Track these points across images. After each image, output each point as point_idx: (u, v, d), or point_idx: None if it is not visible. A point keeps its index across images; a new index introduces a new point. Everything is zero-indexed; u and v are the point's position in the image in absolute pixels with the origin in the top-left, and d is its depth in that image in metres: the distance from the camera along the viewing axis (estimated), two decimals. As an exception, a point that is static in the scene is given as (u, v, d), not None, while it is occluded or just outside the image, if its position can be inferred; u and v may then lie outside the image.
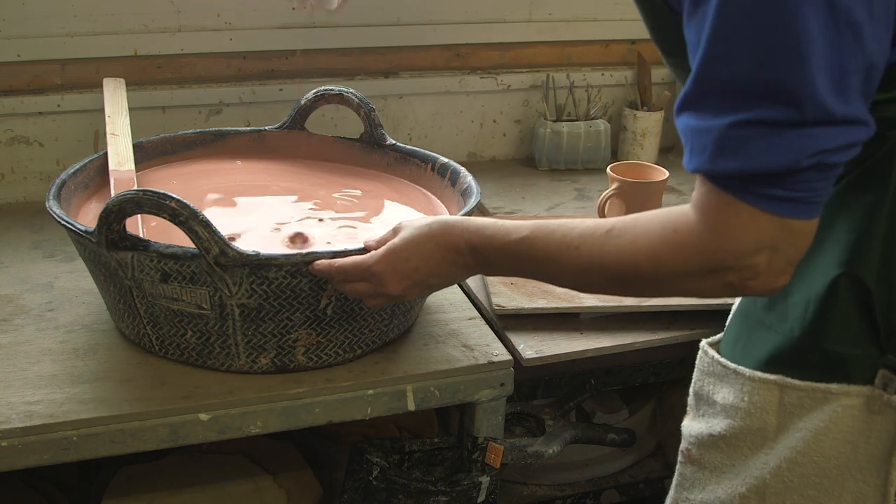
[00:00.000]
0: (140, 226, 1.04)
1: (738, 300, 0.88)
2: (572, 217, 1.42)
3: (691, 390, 0.89)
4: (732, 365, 0.82)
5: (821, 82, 0.63)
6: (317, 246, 1.04)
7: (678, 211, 0.72)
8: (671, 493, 0.92)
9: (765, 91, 0.64)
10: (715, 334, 1.19)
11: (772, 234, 0.68)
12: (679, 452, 0.90)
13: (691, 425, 0.88)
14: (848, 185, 0.76)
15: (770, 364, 0.79)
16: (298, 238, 1.05)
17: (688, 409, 0.90)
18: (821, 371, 0.77)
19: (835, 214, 0.76)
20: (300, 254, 0.89)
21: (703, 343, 0.88)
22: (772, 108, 0.64)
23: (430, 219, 0.86)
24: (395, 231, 0.88)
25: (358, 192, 1.22)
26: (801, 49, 0.62)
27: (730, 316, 0.88)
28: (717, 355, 0.85)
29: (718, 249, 0.69)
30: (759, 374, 0.80)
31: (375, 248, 0.89)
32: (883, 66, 0.67)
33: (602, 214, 1.32)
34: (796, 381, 0.78)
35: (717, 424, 0.84)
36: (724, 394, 0.83)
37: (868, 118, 0.67)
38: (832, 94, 0.64)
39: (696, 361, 0.89)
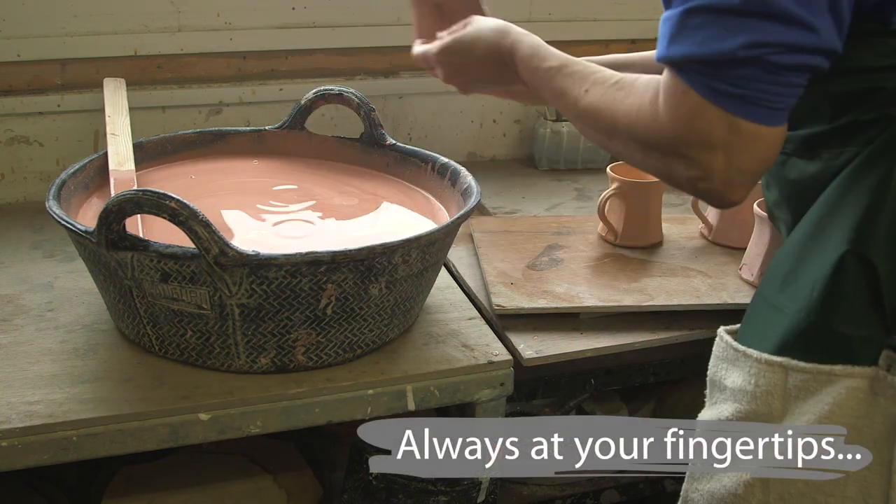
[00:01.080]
0: (140, 226, 1.04)
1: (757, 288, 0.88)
2: (573, 217, 1.43)
3: (707, 379, 0.89)
4: (742, 348, 0.83)
5: None
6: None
7: (659, 84, 0.75)
8: (684, 485, 0.92)
9: None
10: (713, 334, 1.19)
11: (719, 130, 0.70)
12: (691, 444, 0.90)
13: (703, 414, 0.89)
14: (857, 165, 0.77)
15: (778, 346, 0.80)
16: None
17: (705, 401, 0.90)
18: (826, 352, 0.77)
19: (843, 194, 0.77)
20: (300, 253, 0.89)
21: (721, 329, 0.88)
22: None
23: (492, 24, 0.95)
24: (466, 24, 0.97)
25: (356, 190, 1.23)
26: None
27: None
28: (730, 339, 0.85)
29: (670, 132, 0.72)
30: (766, 356, 0.80)
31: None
32: None
33: (602, 214, 1.32)
34: (801, 363, 0.78)
35: (725, 410, 0.85)
36: (733, 378, 0.84)
37: (822, 28, 0.68)
38: None
39: (713, 349, 0.89)
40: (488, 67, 0.95)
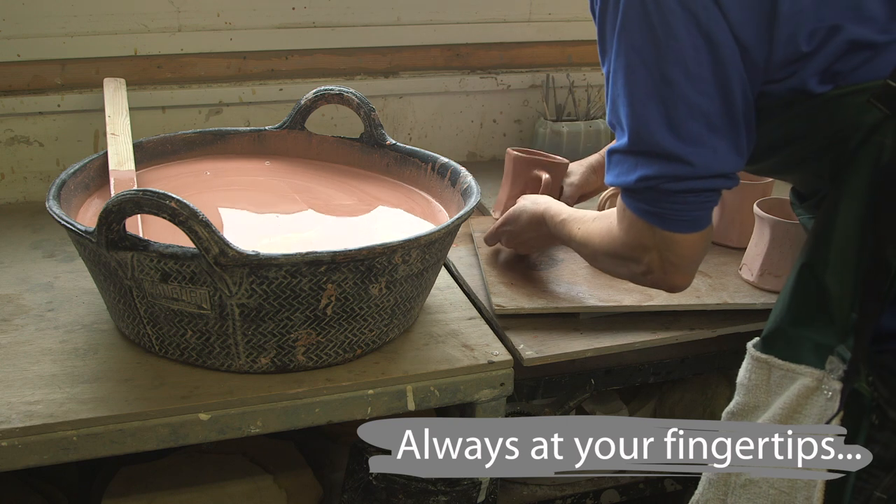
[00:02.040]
0: (140, 226, 1.04)
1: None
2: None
3: None
4: (749, 348, 0.91)
5: (643, 120, 0.82)
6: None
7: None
8: None
9: (616, 126, 0.87)
10: (713, 334, 1.19)
11: (648, 237, 0.89)
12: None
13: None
14: (824, 201, 0.87)
15: (765, 346, 0.90)
16: None
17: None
18: (794, 353, 0.87)
19: (815, 223, 0.87)
20: (300, 253, 0.89)
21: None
22: (620, 138, 0.86)
23: (532, 199, 1.19)
24: (515, 203, 1.22)
25: (357, 194, 1.23)
26: (628, 95, 0.83)
27: None
28: (750, 344, 0.93)
29: (619, 240, 0.93)
30: (757, 353, 0.90)
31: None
32: (717, 116, 0.81)
33: (602, 214, 1.32)
34: (779, 360, 0.88)
35: (731, 403, 0.92)
36: (741, 375, 0.92)
37: (699, 159, 0.82)
38: (664, 132, 0.82)
39: None
40: (532, 231, 1.17)
